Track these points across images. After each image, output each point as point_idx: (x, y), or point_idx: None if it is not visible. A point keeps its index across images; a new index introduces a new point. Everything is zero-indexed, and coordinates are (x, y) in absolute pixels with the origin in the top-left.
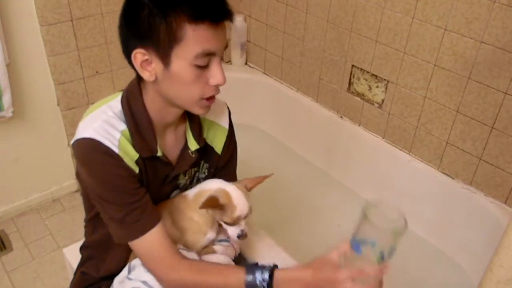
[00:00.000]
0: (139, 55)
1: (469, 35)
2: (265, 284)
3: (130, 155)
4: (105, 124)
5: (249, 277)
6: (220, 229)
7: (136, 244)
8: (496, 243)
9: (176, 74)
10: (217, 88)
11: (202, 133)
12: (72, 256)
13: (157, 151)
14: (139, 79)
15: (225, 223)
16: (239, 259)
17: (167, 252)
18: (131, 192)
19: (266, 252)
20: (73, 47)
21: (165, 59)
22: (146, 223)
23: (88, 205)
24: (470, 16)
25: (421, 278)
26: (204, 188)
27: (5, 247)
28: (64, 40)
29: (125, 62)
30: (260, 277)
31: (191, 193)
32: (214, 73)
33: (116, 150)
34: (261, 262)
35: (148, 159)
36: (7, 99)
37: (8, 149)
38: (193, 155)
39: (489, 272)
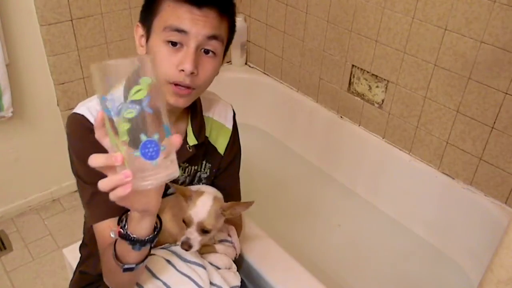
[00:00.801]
0: (138, 29)
1: (469, 35)
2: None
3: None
4: (99, 104)
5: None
6: (220, 228)
7: (96, 228)
8: (496, 243)
9: (151, 49)
10: (185, 76)
11: (203, 130)
12: (72, 256)
13: None
14: None
15: (183, 220)
16: (240, 260)
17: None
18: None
19: (266, 252)
20: (73, 47)
21: (148, 32)
22: (111, 209)
23: None
24: (470, 16)
25: (421, 278)
26: (202, 188)
27: (5, 247)
28: (64, 40)
29: None
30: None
31: (193, 188)
32: (182, 57)
33: None
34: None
35: None
36: (7, 99)
37: (8, 149)
38: (190, 150)
39: (489, 272)
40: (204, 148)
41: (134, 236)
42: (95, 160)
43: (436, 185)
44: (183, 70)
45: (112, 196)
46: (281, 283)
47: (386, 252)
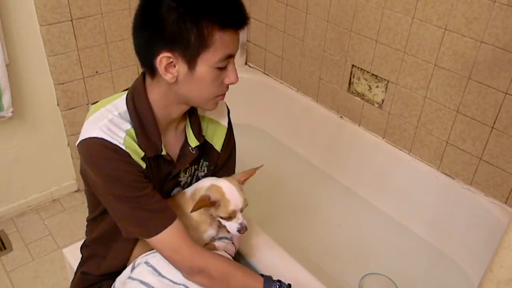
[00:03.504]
0: (164, 59)
1: (469, 35)
2: None
3: (136, 152)
4: (110, 123)
5: (269, 284)
6: (221, 226)
7: (155, 240)
8: (496, 243)
9: (199, 77)
10: (228, 86)
11: (201, 130)
12: (72, 256)
13: (162, 150)
14: (144, 77)
15: (222, 218)
16: (238, 258)
17: (187, 242)
18: (140, 186)
19: (266, 252)
20: (73, 47)
21: (191, 62)
22: (163, 221)
23: (93, 204)
24: (470, 16)
25: (421, 278)
26: (198, 186)
27: (5, 247)
28: (64, 40)
29: (125, 61)
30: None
31: (188, 191)
32: (230, 74)
33: (122, 147)
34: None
35: (152, 158)
36: (7, 99)
37: (8, 149)
38: (194, 152)
39: (489, 272)
40: (203, 147)
41: None
42: None
43: (436, 185)
44: (230, 83)
45: None
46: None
47: (386, 252)
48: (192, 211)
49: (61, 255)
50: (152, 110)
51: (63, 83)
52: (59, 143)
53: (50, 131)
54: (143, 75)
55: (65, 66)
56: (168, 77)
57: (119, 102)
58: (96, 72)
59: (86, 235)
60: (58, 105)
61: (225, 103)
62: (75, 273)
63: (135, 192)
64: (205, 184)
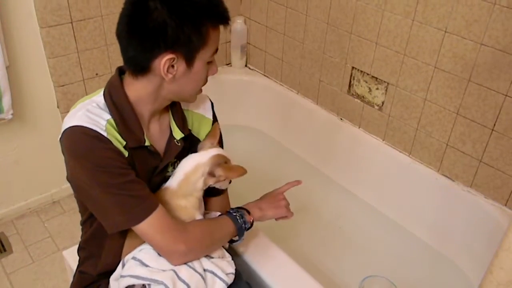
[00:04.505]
0: (168, 61)
1: (469, 37)
2: (242, 212)
3: (118, 140)
4: (89, 113)
5: (231, 215)
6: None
7: (141, 227)
8: (496, 245)
9: (195, 73)
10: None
11: (185, 122)
12: (72, 258)
13: (144, 141)
14: (120, 73)
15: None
16: (237, 259)
17: (171, 226)
18: (124, 172)
19: (266, 254)
20: (73, 49)
21: (190, 61)
22: (148, 207)
23: (83, 206)
24: (470, 18)
25: (421, 280)
26: (186, 170)
27: (5, 250)
28: (64, 42)
29: None
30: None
31: (173, 182)
32: (213, 66)
33: (104, 133)
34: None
35: (136, 150)
36: (7, 101)
37: (8, 151)
38: (179, 144)
39: (489, 274)
40: (189, 141)
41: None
42: None
43: (436, 187)
44: (211, 75)
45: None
46: (280, 284)
47: (386, 254)
48: (235, 177)
49: (61, 257)
50: (130, 103)
51: (63, 85)
52: (59, 145)
53: (50, 133)
54: (119, 72)
55: (65, 68)
56: (169, 77)
57: (97, 98)
58: (96, 74)
59: (81, 238)
60: (58, 107)
61: (208, 97)
62: (74, 274)
63: (120, 178)
64: (197, 162)
